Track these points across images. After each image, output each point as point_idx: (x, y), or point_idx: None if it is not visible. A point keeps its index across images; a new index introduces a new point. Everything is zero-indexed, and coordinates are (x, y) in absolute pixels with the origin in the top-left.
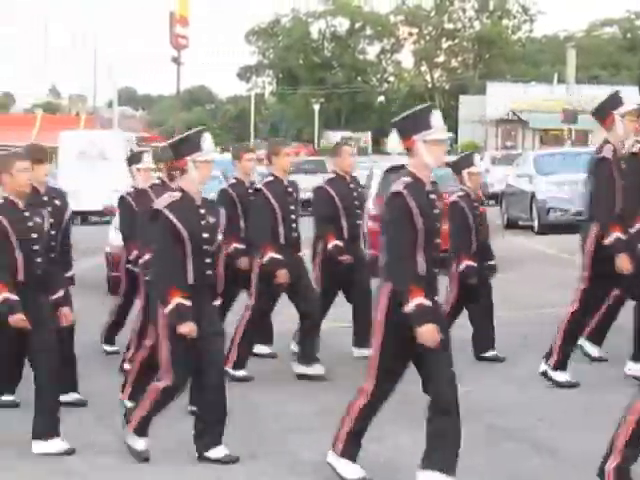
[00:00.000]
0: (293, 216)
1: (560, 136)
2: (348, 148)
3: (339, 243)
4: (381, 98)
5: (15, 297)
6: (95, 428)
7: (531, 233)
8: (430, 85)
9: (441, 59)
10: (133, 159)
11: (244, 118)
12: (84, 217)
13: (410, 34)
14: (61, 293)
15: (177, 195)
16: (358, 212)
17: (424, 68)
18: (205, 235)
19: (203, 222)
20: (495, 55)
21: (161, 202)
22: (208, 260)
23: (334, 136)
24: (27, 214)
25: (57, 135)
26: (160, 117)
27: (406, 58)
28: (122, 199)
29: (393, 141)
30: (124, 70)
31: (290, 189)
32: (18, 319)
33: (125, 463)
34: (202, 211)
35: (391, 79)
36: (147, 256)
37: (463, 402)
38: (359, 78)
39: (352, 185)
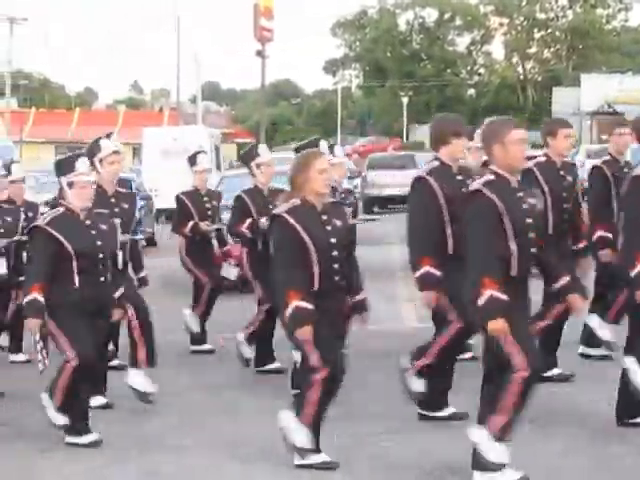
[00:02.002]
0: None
1: None
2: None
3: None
4: (471, 91)
5: None
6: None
7: None
8: (522, 77)
9: (533, 50)
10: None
11: (330, 113)
12: (169, 214)
13: (501, 24)
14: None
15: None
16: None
17: (515, 59)
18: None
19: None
20: (589, 46)
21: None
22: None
23: (423, 130)
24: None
25: (139, 131)
26: (245, 112)
27: (497, 49)
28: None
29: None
30: (208, 64)
31: (562, 172)
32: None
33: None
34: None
35: (481, 71)
36: None
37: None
38: (448, 70)
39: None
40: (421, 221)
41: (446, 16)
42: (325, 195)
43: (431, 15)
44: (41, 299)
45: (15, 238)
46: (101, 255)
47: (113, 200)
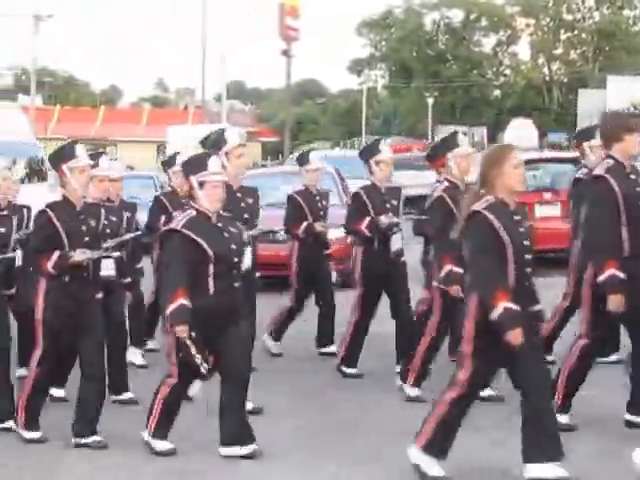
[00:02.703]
0: None
1: None
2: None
3: None
4: (497, 92)
5: None
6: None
7: None
8: (548, 78)
9: (559, 51)
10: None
11: (355, 112)
12: None
13: (527, 25)
14: None
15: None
16: None
17: (541, 60)
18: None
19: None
20: (615, 47)
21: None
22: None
23: (448, 131)
24: None
25: (164, 130)
26: (269, 111)
27: (523, 50)
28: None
29: (509, 136)
30: (233, 63)
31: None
32: None
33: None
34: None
35: (507, 72)
36: None
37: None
38: (474, 71)
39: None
40: (603, 222)
41: (472, 16)
42: (518, 193)
43: (457, 15)
44: (188, 304)
45: (126, 237)
46: (235, 259)
47: (239, 195)
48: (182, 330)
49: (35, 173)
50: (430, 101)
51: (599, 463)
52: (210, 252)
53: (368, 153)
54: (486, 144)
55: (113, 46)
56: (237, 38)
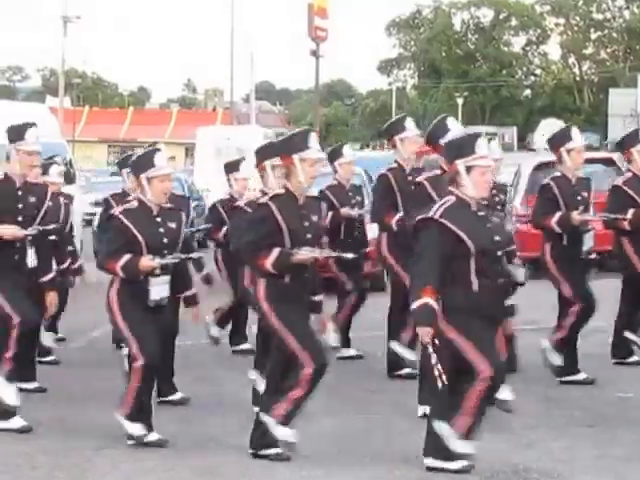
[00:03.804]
0: None
1: None
2: None
3: None
4: (527, 92)
5: None
6: None
7: None
8: (578, 78)
9: (589, 51)
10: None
11: (384, 113)
12: None
13: (557, 25)
14: None
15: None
16: None
17: (572, 60)
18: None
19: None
20: None
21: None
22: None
23: (478, 132)
24: None
25: (192, 131)
26: (298, 112)
27: (553, 50)
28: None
29: (539, 137)
30: (262, 63)
31: None
32: None
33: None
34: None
35: (537, 72)
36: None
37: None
38: (504, 71)
39: None
40: None
41: (502, 16)
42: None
43: (486, 15)
44: (434, 304)
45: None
46: (499, 253)
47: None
48: (426, 333)
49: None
50: (460, 101)
51: (632, 465)
52: (470, 244)
53: (558, 140)
54: (516, 145)
55: (141, 47)
56: (266, 38)
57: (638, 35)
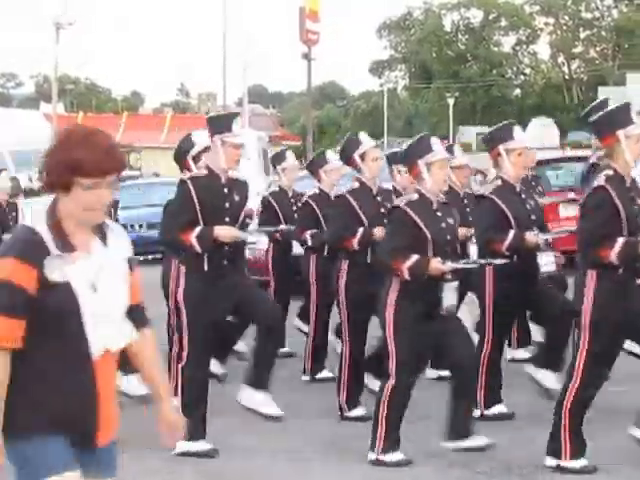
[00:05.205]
0: None
1: None
2: None
3: None
4: (517, 91)
5: None
6: None
7: None
8: (567, 77)
9: (579, 50)
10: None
11: (376, 114)
12: None
13: (546, 24)
14: None
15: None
16: None
17: (561, 59)
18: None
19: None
20: (635, 45)
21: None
22: None
23: (470, 132)
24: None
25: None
26: (291, 115)
27: (542, 49)
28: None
29: (530, 135)
30: (254, 67)
31: None
32: None
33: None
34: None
35: (527, 71)
36: None
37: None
38: (494, 71)
39: None
40: None
41: (491, 16)
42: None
43: (476, 16)
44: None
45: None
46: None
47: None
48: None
49: None
50: (451, 101)
51: (632, 458)
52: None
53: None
54: None
55: (133, 51)
56: (258, 42)
57: (627, 34)
